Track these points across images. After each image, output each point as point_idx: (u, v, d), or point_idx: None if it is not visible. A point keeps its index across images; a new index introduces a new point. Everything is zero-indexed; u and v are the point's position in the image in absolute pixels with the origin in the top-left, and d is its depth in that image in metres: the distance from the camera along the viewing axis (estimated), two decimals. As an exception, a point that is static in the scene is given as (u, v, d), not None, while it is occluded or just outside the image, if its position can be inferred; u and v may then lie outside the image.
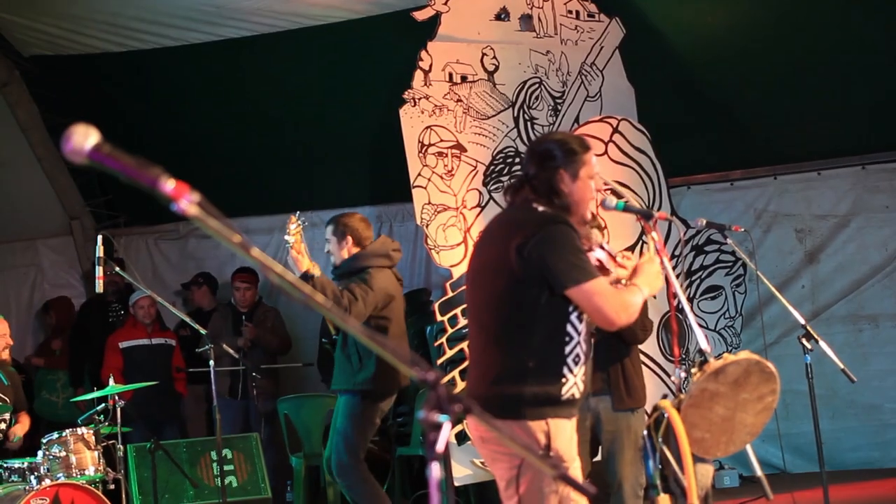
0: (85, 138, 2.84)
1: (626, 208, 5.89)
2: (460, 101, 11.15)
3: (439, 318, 10.90)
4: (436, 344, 10.96)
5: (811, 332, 7.53)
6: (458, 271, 10.63)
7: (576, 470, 5.07)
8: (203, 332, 9.30)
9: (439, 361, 10.66)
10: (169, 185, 2.82)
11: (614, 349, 7.92)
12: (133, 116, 13.00)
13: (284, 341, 12.40)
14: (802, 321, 7.59)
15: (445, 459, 2.84)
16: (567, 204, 5.22)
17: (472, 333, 5.30)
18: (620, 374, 8.02)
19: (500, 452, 5.05)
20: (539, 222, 5.07)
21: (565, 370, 5.02)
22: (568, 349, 5.04)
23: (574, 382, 5.05)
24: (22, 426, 9.38)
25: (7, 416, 9.17)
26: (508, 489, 5.01)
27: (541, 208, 5.15)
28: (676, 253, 11.00)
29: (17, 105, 13.24)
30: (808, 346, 7.49)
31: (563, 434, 5.00)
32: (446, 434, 2.96)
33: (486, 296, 5.21)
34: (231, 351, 9.77)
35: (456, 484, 10.44)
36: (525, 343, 5.00)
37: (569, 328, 5.08)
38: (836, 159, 12.57)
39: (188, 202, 2.83)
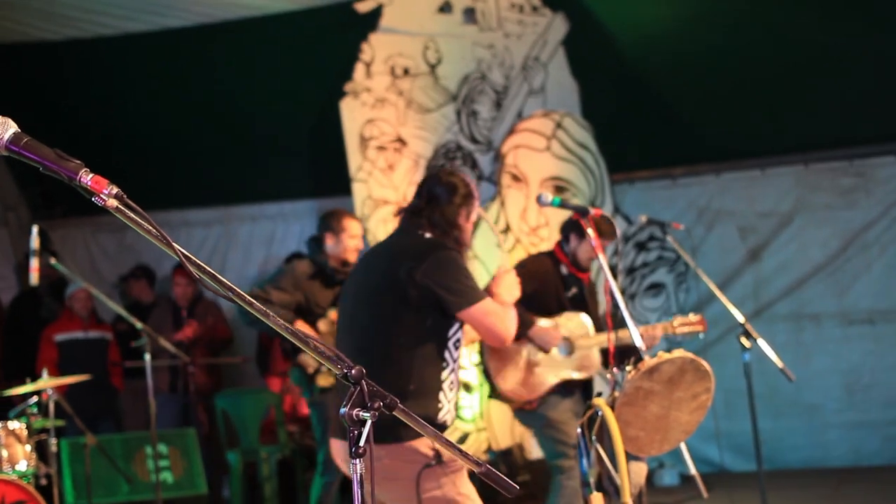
0: (3, 129, 2.78)
1: (562, 204, 5.87)
2: (402, 94, 11.09)
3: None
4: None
5: (750, 330, 7.52)
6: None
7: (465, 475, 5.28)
8: (139, 325, 9.18)
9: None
10: (88, 177, 2.77)
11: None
12: (68, 108, 12.83)
13: (226, 336, 12.28)
14: (742, 319, 7.57)
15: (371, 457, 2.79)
16: (460, 238, 5.57)
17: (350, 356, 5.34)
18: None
19: (395, 474, 5.15)
20: (430, 248, 5.37)
21: (441, 395, 5.22)
22: (444, 374, 5.24)
23: (448, 409, 5.28)
24: None
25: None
26: None
27: (428, 235, 5.44)
28: (618, 250, 10.98)
29: (-47, 94, 13.08)
30: (748, 344, 7.47)
31: (445, 451, 5.09)
32: (367, 430, 2.97)
33: (370, 319, 5.35)
34: (169, 346, 9.65)
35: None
36: (407, 366, 5.18)
37: (446, 355, 5.30)
38: (779, 157, 12.57)
39: (107, 195, 2.77)
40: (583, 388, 8.02)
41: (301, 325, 8.49)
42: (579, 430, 5.40)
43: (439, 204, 5.54)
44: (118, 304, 10.95)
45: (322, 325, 8.82)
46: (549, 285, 8.06)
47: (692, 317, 7.30)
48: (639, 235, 12.53)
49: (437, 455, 5.09)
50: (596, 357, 7.88)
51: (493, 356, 7.97)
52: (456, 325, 5.32)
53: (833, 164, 12.44)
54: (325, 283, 8.89)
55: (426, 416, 5.08)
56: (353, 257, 8.97)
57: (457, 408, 5.31)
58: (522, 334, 7.94)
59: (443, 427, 5.22)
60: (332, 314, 8.78)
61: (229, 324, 12.37)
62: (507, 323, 5.42)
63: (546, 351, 7.88)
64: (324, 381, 8.69)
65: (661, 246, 12.51)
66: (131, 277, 13.01)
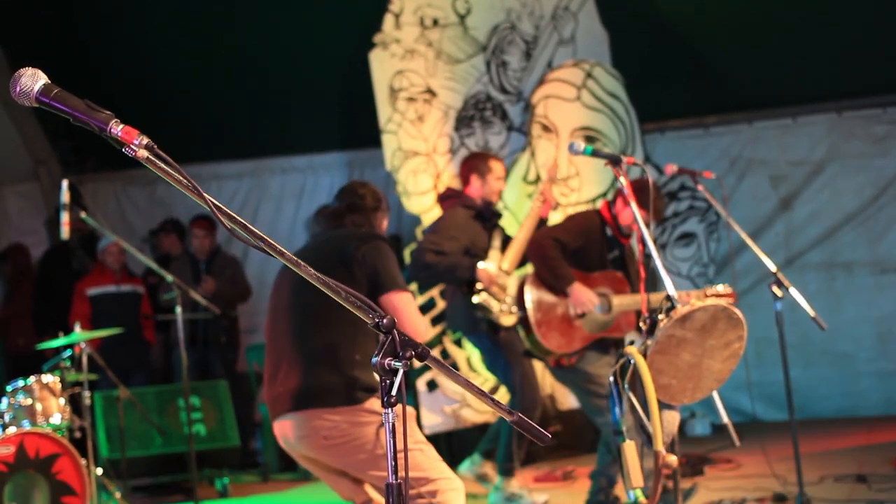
0: (33, 81, 2.79)
1: (595, 153, 5.84)
2: (431, 45, 11.03)
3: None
4: (406, 290, 10.88)
5: (782, 279, 7.47)
6: (428, 218, 10.55)
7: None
8: (170, 279, 9.20)
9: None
10: (119, 128, 2.76)
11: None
12: (100, 61, 12.84)
13: (244, 290, 12.26)
14: (773, 269, 7.53)
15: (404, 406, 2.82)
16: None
17: (295, 333, 5.63)
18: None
19: (354, 437, 5.34)
20: (373, 234, 5.79)
21: None
22: None
23: None
24: None
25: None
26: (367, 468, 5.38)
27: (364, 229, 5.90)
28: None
29: (-19, 49, 13.08)
30: (780, 293, 7.43)
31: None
32: (399, 380, 2.95)
33: (318, 296, 5.40)
34: (199, 299, 9.66)
35: (426, 432, 10.39)
36: (353, 338, 5.42)
37: None
38: (812, 105, 12.49)
39: (138, 145, 2.77)
40: (618, 347, 8.05)
41: (484, 270, 8.65)
42: (611, 378, 5.39)
43: (369, 210, 6.03)
44: (149, 258, 10.97)
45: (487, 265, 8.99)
46: (594, 243, 8.08)
47: (724, 288, 7.27)
48: (670, 185, 12.48)
49: None
50: (632, 318, 7.92)
51: (536, 310, 8.01)
52: None
53: (866, 111, 12.35)
54: (483, 225, 9.07)
55: (371, 385, 5.34)
56: (496, 199, 9.21)
57: None
58: (562, 290, 7.98)
59: (372, 388, 5.37)
60: (491, 255, 8.97)
61: (248, 278, 12.35)
62: (423, 322, 5.71)
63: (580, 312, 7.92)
64: (507, 320, 8.76)
65: (692, 195, 12.46)
66: (161, 231, 13.02)
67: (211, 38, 12.60)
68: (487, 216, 9.03)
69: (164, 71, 12.94)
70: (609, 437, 7.81)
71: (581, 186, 10.98)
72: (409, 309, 5.57)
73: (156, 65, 12.95)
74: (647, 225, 5.78)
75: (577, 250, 8.03)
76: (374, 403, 5.33)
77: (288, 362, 5.55)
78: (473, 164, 9.23)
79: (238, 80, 12.85)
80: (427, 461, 5.35)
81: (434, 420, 10.44)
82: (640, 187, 7.29)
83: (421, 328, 5.56)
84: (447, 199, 9.52)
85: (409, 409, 5.29)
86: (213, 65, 12.74)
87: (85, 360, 8.97)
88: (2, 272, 13.69)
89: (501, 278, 8.77)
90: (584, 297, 7.90)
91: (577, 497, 8.36)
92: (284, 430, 5.53)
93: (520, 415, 3.33)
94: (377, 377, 5.14)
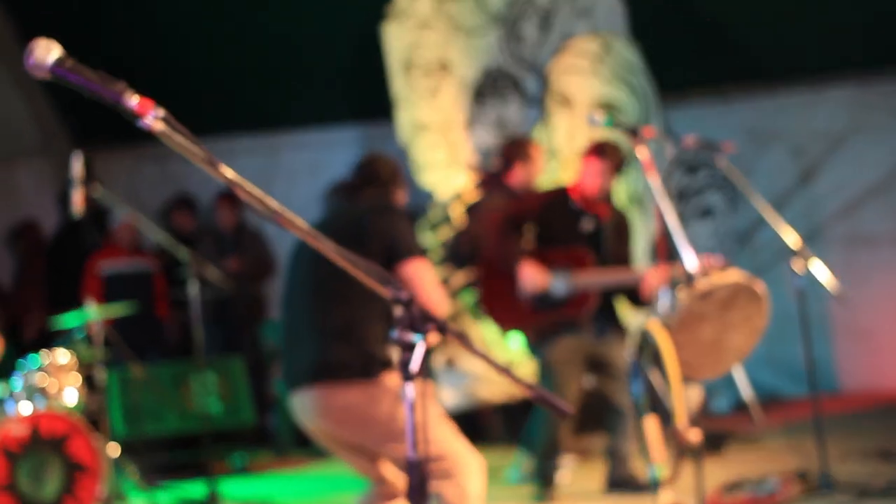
0: (47, 52, 2.79)
1: (614, 124, 5.78)
2: (446, 17, 10.95)
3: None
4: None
5: (803, 253, 7.38)
6: (442, 192, 10.50)
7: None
8: (184, 255, 9.15)
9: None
10: (133, 100, 2.75)
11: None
12: (112, 33, 12.80)
13: (268, 267, 12.25)
14: (794, 243, 7.44)
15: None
16: None
17: (311, 307, 5.60)
18: (610, 307, 7.96)
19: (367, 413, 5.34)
20: (386, 206, 5.74)
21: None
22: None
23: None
24: None
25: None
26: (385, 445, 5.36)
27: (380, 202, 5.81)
28: (668, 172, 10.87)
29: (-9, 22, 13.06)
30: (800, 268, 7.34)
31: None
32: (419, 354, 2.95)
33: (333, 269, 5.43)
34: (213, 276, 9.61)
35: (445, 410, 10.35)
36: (370, 313, 5.39)
37: None
38: (833, 77, 12.38)
39: (153, 117, 2.75)
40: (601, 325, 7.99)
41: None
42: (633, 353, 5.34)
43: (379, 184, 5.96)
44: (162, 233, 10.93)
45: None
46: (557, 219, 8.10)
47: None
48: (689, 158, 12.40)
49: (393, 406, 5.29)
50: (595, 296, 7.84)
51: (487, 291, 8.04)
52: None
53: (888, 82, 12.25)
54: None
55: (388, 360, 5.33)
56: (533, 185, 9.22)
57: None
58: (511, 267, 7.94)
59: (388, 363, 5.35)
60: None
61: (273, 253, 12.32)
62: (439, 291, 5.61)
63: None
64: None
65: (712, 169, 12.37)
66: (173, 207, 12.98)
67: (223, 10, 12.56)
68: None
69: (176, 45, 12.93)
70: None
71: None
72: (425, 276, 5.50)
73: (168, 39, 12.93)
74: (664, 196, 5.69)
75: (539, 226, 8.06)
76: (391, 378, 5.31)
77: (305, 337, 5.53)
78: (518, 151, 9.32)
79: (251, 53, 12.83)
80: (444, 438, 5.31)
81: (452, 397, 10.39)
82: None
83: (435, 296, 5.49)
84: (486, 184, 9.57)
85: (428, 384, 5.32)
86: (226, 39, 12.72)
87: (98, 337, 8.95)
88: (15, 250, 13.66)
89: None
90: (529, 279, 7.88)
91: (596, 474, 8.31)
92: (302, 404, 5.50)
93: (539, 389, 3.29)
94: (394, 352, 5.15)
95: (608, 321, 8.01)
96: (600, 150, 8.19)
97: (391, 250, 5.48)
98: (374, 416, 5.31)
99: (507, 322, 8.36)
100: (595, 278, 7.78)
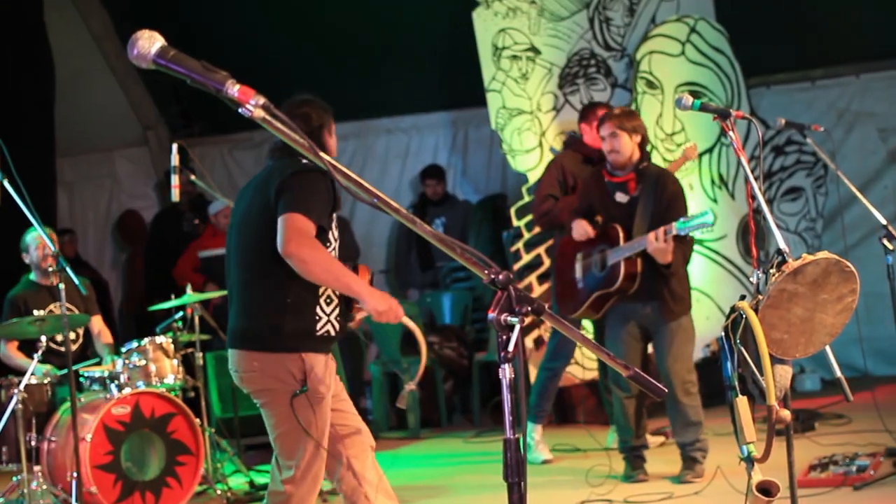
0: (150, 43, 2.85)
1: (703, 107, 5.81)
2: (534, 2, 11.01)
3: (515, 223, 10.88)
4: (512, 249, 10.95)
5: (893, 232, 7.38)
6: (534, 176, 10.57)
7: (329, 399, 5.38)
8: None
9: (516, 267, 10.65)
10: (235, 88, 2.82)
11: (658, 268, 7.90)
12: (200, 23, 12.93)
13: (356, 251, 12.36)
14: (884, 222, 7.43)
15: (521, 362, 2.84)
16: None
17: (235, 274, 5.52)
18: (665, 287, 7.97)
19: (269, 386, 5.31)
20: (298, 166, 5.28)
21: (318, 309, 5.29)
22: (321, 290, 5.30)
23: (328, 321, 5.33)
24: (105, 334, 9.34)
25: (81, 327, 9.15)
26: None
27: (304, 161, 5.31)
28: (756, 154, 10.86)
29: (90, 15, 13.26)
30: (890, 246, 7.34)
31: (319, 366, 5.26)
32: (517, 335, 2.94)
33: (250, 236, 5.44)
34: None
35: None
36: (282, 280, 5.22)
37: None
38: (922, 56, 12.29)
39: (254, 105, 2.82)
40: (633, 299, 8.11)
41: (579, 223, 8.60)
42: (722, 333, 5.37)
43: (306, 129, 5.59)
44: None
45: None
46: (590, 193, 8.39)
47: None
48: (776, 139, 12.35)
49: (304, 382, 5.21)
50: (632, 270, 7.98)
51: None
52: (328, 244, 5.33)
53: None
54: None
55: (305, 329, 5.24)
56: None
57: (340, 321, 5.37)
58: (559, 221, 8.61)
59: (324, 338, 5.29)
60: None
61: (360, 237, 12.43)
62: (314, 252, 5.13)
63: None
64: None
65: (800, 149, 12.31)
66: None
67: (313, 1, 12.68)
68: (595, 161, 9.06)
69: (268, 34, 13.06)
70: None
71: (686, 142, 10.89)
72: (290, 229, 5.11)
73: (259, 28, 13.05)
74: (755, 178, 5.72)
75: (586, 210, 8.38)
76: (292, 363, 5.22)
77: (232, 301, 5.52)
78: (582, 114, 9.61)
79: (342, 41, 12.90)
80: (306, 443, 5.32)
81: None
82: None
83: (290, 248, 5.07)
84: (567, 145, 9.81)
85: (332, 362, 5.38)
86: (319, 26, 12.81)
87: (197, 321, 9.11)
88: (117, 238, 13.92)
89: None
90: (578, 227, 8.35)
91: (669, 456, 8.34)
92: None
93: (636, 370, 3.35)
94: (306, 322, 5.19)
95: (654, 296, 8.09)
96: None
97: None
98: (269, 394, 5.34)
99: (564, 307, 8.51)
100: (620, 251, 7.92)
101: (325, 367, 5.30)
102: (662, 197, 7.98)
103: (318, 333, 5.29)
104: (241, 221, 5.55)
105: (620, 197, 8.10)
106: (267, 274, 5.29)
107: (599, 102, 10.08)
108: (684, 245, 7.92)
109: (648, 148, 8.28)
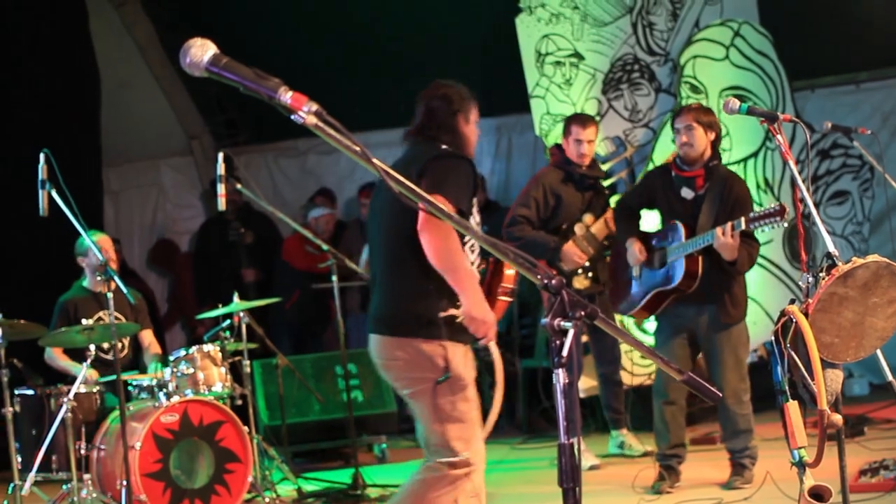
0: (202, 51, 2.86)
1: (750, 111, 5.80)
2: (577, 8, 11.01)
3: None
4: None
5: (942, 235, 7.34)
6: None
7: (472, 390, 5.44)
8: (326, 248, 9.31)
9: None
10: (288, 95, 2.82)
11: (721, 269, 7.84)
12: (245, 33, 12.98)
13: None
14: (933, 225, 7.40)
15: (576, 367, 2.83)
16: (462, 143, 5.70)
17: (378, 260, 5.62)
18: (725, 290, 7.94)
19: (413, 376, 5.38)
20: (440, 152, 5.50)
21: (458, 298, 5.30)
22: None
23: None
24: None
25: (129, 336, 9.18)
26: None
27: (443, 146, 5.53)
28: (802, 157, 10.81)
29: (135, 25, 13.32)
30: (939, 250, 7.30)
31: (458, 356, 5.31)
32: (570, 340, 2.92)
33: (392, 223, 5.52)
34: (355, 267, 9.73)
35: (581, 395, 10.41)
36: (427, 267, 5.24)
37: None
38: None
39: (307, 112, 2.82)
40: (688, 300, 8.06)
41: (570, 248, 9.06)
42: (773, 337, 5.35)
43: (437, 116, 5.77)
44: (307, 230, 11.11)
45: (577, 228, 9.29)
46: (657, 193, 8.33)
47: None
48: (822, 143, 12.29)
49: (446, 370, 5.27)
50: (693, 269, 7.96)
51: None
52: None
53: None
54: (576, 188, 9.44)
55: (445, 316, 5.28)
56: (582, 161, 9.41)
57: None
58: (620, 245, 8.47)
59: (463, 328, 5.30)
60: (587, 218, 9.36)
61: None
62: (438, 236, 5.22)
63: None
64: (579, 283, 9.18)
65: (846, 153, 12.24)
66: (314, 200, 13.15)
67: (358, 7, 12.68)
68: (577, 178, 9.28)
69: (313, 42, 13.09)
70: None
71: (731, 146, 10.86)
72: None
73: (300, 37, 13.08)
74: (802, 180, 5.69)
75: (647, 200, 8.42)
76: (435, 351, 5.32)
77: (375, 287, 5.59)
78: (563, 127, 9.63)
79: (385, 51, 12.93)
80: (461, 431, 5.38)
81: (590, 384, 10.44)
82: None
83: (439, 234, 5.21)
84: (553, 155, 9.90)
85: (470, 353, 5.36)
86: (360, 36, 12.83)
87: (244, 329, 9.14)
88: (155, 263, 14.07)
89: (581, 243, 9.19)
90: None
91: (718, 462, 8.31)
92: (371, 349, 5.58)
93: (689, 374, 3.33)
94: (448, 309, 5.21)
95: (713, 298, 8.04)
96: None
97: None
98: (414, 379, 5.41)
99: (617, 307, 8.55)
100: (683, 248, 7.89)
101: (464, 357, 5.35)
102: (729, 197, 7.94)
103: (459, 321, 5.31)
104: (383, 208, 5.63)
105: (686, 193, 8.07)
106: (410, 261, 5.35)
107: (580, 114, 10.01)
108: (750, 246, 7.89)
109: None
